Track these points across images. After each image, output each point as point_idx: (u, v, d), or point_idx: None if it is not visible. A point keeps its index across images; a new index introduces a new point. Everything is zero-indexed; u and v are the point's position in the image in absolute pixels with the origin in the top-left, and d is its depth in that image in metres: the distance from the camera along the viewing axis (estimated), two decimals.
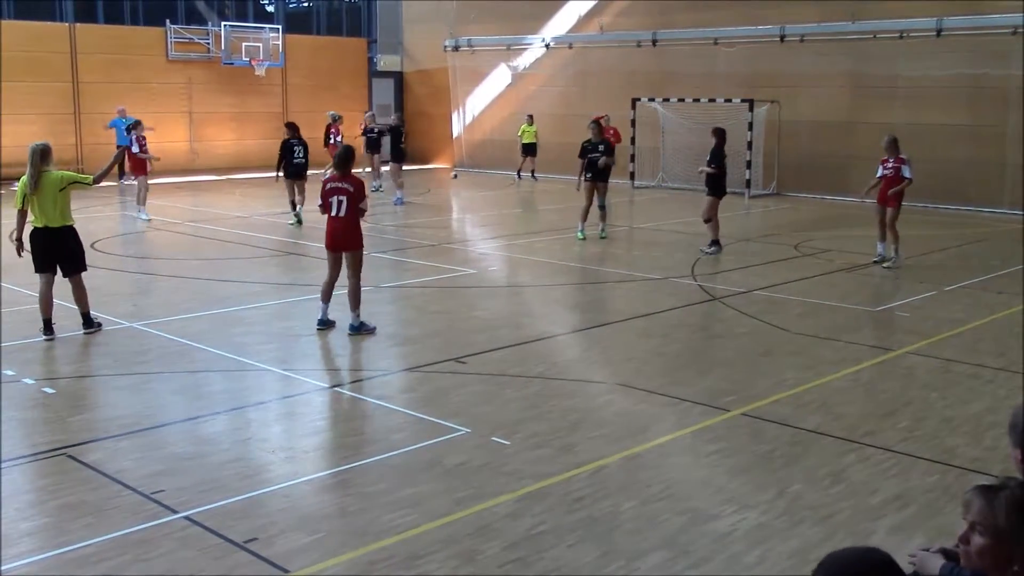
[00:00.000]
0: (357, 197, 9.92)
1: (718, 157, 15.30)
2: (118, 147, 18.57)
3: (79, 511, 5.77)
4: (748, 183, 23.17)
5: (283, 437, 7.25)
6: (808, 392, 8.26)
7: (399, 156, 22.60)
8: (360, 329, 10.02)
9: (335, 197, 9.93)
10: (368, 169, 24.41)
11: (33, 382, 8.28)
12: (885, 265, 14.12)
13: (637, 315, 11.18)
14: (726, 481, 6.33)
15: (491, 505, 5.90)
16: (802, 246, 16.20)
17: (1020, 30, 20.29)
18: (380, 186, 24.04)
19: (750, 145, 22.96)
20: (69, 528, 5.55)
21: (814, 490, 6.19)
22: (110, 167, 10.58)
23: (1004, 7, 20.68)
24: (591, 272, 14.15)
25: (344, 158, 10.12)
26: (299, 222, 18.06)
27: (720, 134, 15.51)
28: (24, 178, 9.76)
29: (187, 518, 5.68)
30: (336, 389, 8.30)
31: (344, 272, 10.09)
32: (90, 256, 14.14)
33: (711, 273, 13.62)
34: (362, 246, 10.17)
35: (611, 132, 23.76)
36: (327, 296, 10.24)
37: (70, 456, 6.64)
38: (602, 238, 16.76)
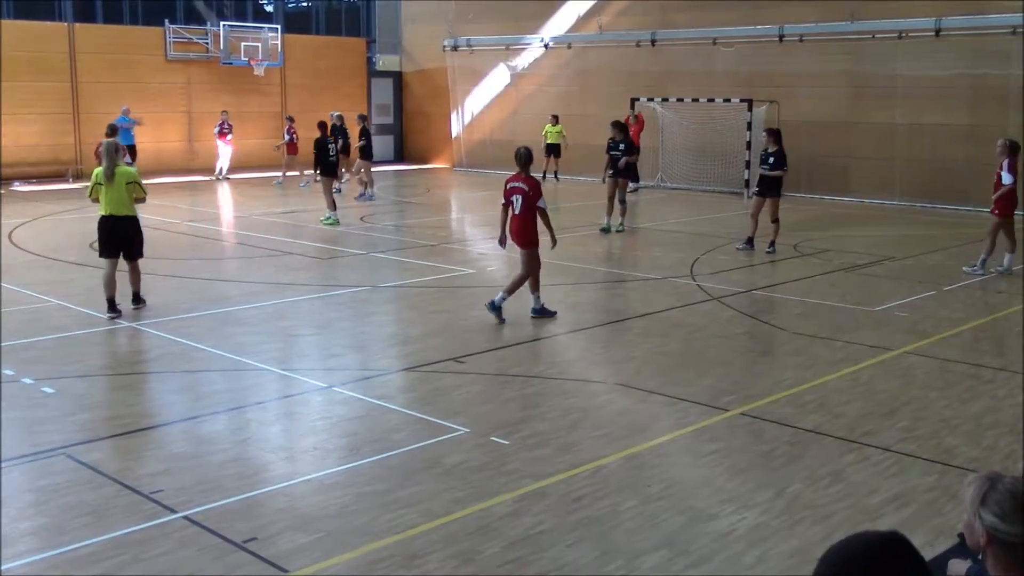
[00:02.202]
0: (533, 197, 10.47)
1: (784, 158, 15.36)
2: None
3: (78, 511, 5.76)
4: (747, 183, 23.15)
5: (282, 437, 7.25)
6: (807, 392, 8.27)
7: (366, 154, 22.69)
8: (544, 312, 10.64)
9: (514, 196, 10.57)
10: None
11: (32, 382, 8.27)
12: (965, 269, 13.81)
13: (636, 315, 11.18)
14: (725, 481, 6.33)
15: (490, 505, 5.90)
16: (801, 246, 16.20)
17: (1019, 30, 20.30)
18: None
19: (749, 145, 22.96)
20: (68, 528, 5.55)
21: (813, 490, 6.19)
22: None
23: (1003, 7, 20.68)
24: (590, 272, 14.13)
25: (525, 158, 10.68)
26: (336, 222, 18.12)
27: (779, 135, 15.69)
28: (99, 170, 10.81)
29: (186, 518, 5.68)
30: (335, 389, 8.30)
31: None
32: (89, 256, 14.22)
33: (710, 273, 13.62)
34: (535, 245, 10.65)
35: (634, 128, 23.83)
36: (511, 285, 10.78)
37: (69, 456, 6.64)
38: (619, 231, 17.33)
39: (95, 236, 11.96)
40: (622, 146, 17.72)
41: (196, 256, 15.04)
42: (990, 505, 2.68)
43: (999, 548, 2.67)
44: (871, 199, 22.73)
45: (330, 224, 17.98)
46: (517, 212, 10.58)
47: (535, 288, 10.83)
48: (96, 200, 10.88)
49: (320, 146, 18.65)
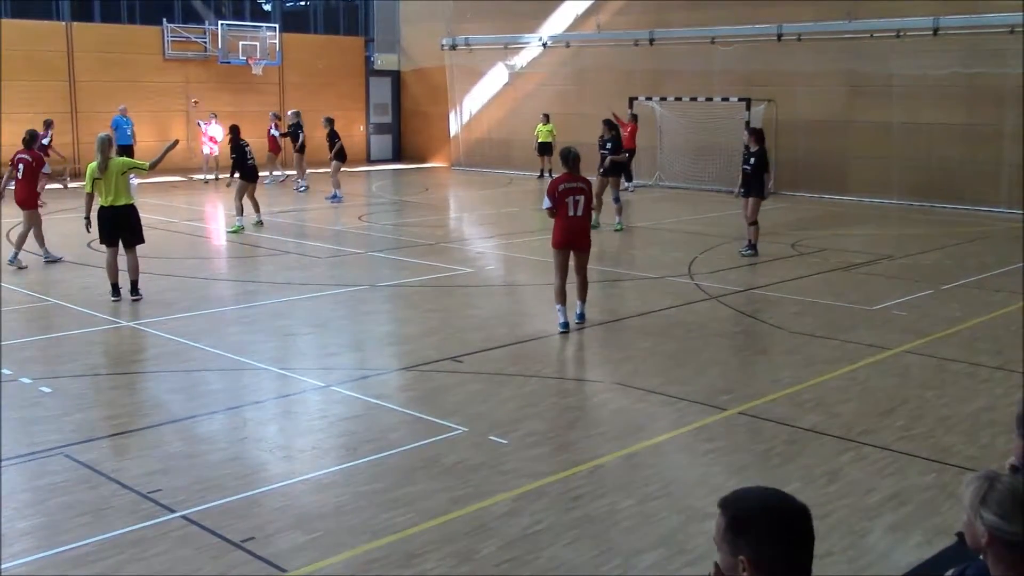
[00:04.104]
0: (591, 197, 10.24)
1: (763, 158, 15.06)
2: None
3: (76, 510, 5.76)
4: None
5: (280, 436, 7.25)
6: (805, 391, 8.27)
7: (340, 155, 22.06)
8: (584, 318, 10.40)
9: (571, 197, 10.02)
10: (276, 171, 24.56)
11: (30, 381, 8.27)
12: None
13: (634, 314, 11.18)
14: (723, 480, 6.33)
15: (488, 504, 5.90)
16: (799, 245, 16.21)
17: (1017, 29, 20.30)
18: (306, 187, 24.22)
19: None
20: (66, 527, 5.55)
21: (811, 489, 6.19)
22: (164, 155, 11.84)
23: (1001, 6, 20.68)
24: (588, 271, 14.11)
25: (576, 159, 10.27)
26: (243, 229, 17.13)
27: (762, 134, 15.48)
28: (93, 164, 11.29)
29: (184, 517, 5.67)
30: (333, 388, 8.30)
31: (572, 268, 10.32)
32: (86, 255, 14.20)
33: (708, 272, 13.62)
34: (590, 246, 10.36)
35: (628, 128, 23.75)
36: (563, 297, 10.19)
37: (67, 455, 6.63)
38: (617, 230, 17.03)
39: (93, 235, 12.01)
40: (609, 144, 17.72)
41: (194, 255, 15.03)
42: (991, 505, 2.67)
43: (1001, 548, 2.66)
44: (868, 198, 22.73)
45: (235, 231, 17.05)
46: (579, 213, 9.99)
47: (585, 296, 10.45)
48: (92, 193, 11.48)
49: (240, 150, 17.62)
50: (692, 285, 12.75)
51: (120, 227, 11.34)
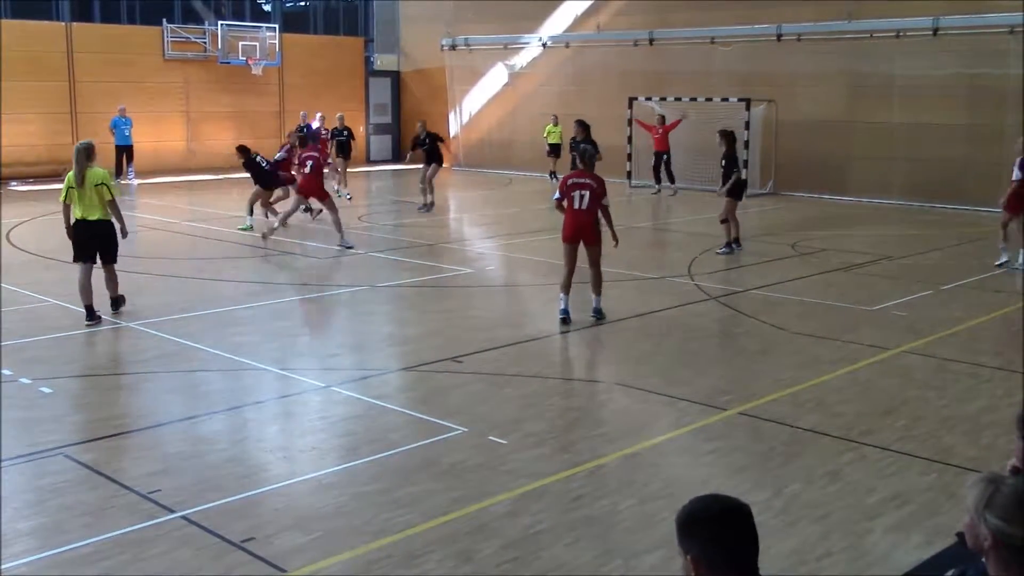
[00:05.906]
0: (600, 193, 10.41)
1: (735, 160, 15.28)
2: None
3: (76, 511, 5.76)
4: (744, 183, 23.15)
5: (280, 436, 7.25)
6: (805, 391, 8.27)
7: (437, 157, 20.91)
8: (601, 314, 10.62)
9: (577, 192, 10.43)
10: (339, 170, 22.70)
11: (30, 381, 8.26)
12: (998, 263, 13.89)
13: (634, 314, 11.17)
14: (724, 480, 6.33)
15: (489, 504, 5.90)
16: (799, 245, 16.20)
17: (1017, 29, 20.30)
18: (349, 195, 22.46)
19: (747, 144, 22.92)
20: (67, 528, 5.55)
21: (811, 489, 6.19)
22: (121, 226, 10.73)
23: (1001, 6, 20.68)
24: (587, 271, 14.10)
25: (591, 156, 10.85)
26: (250, 228, 17.18)
27: (732, 137, 15.57)
28: (71, 174, 10.44)
29: (184, 518, 5.67)
30: (333, 388, 8.29)
31: (583, 262, 10.62)
32: None
33: (708, 273, 13.62)
34: (600, 240, 10.59)
35: (657, 131, 23.61)
36: (567, 287, 10.60)
37: (67, 456, 6.63)
38: None
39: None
40: (582, 146, 17.57)
41: (194, 256, 15.03)
42: (995, 508, 2.65)
43: (1005, 551, 2.64)
44: (869, 198, 22.73)
45: (246, 230, 17.04)
46: (584, 208, 10.42)
47: (599, 291, 10.78)
48: (68, 204, 10.54)
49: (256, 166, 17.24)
50: (692, 285, 12.74)
51: (93, 243, 10.53)
